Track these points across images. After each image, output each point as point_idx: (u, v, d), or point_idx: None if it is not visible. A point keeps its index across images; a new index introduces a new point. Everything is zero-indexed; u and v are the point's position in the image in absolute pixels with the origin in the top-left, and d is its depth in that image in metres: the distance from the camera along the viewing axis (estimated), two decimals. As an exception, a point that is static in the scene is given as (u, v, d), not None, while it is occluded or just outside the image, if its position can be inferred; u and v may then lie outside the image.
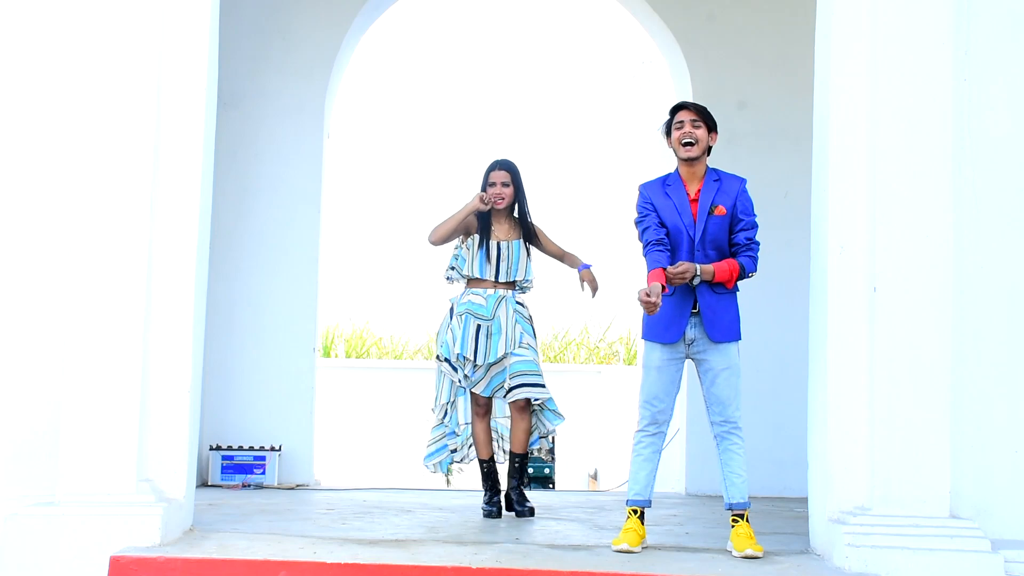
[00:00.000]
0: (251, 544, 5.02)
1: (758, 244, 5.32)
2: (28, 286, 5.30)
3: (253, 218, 8.13)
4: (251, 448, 7.91)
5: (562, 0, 19.37)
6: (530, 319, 6.49)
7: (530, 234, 6.49)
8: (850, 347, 5.03)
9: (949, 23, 5.09)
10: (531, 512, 6.35)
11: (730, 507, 5.20)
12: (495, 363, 6.32)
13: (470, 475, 8.07)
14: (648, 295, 5.01)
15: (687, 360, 5.32)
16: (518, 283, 6.47)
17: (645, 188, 5.38)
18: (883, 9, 5.08)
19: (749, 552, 5.01)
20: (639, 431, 5.30)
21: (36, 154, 5.33)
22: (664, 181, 5.36)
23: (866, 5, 5.11)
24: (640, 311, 5.36)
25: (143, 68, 5.16)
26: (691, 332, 5.23)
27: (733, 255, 5.28)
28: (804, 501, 5.43)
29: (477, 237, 6.42)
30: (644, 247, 5.29)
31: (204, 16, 5.27)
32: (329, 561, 4.70)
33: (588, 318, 16.86)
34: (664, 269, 5.13)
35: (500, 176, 6.43)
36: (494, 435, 6.56)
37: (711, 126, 5.34)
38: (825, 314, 5.12)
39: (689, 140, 5.27)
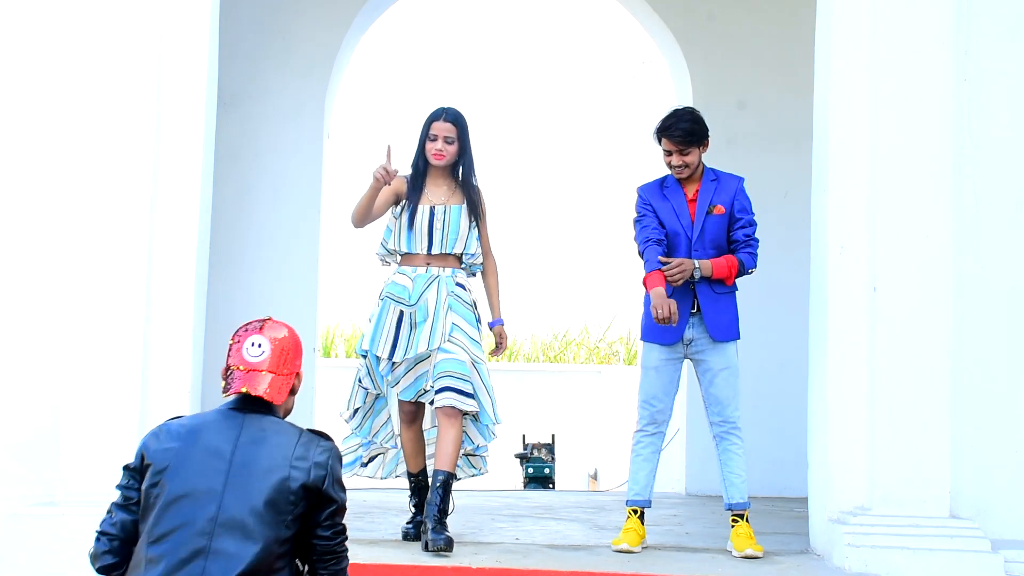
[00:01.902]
0: (251, 544, 5.00)
1: (757, 241, 5.31)
2: (28, 286, 5.29)
3: (253, 218, 8.12)
4: (251, 448, 7.89)
5: (562, 0, 19.38)
6: (472, 305, 5.30)
7: (473, 203, 5.36)
8: (850, 347, 5.03)
9: (949, 23, 5.09)
10: (447, 546, 4.86)
11: (730, 507, 5.20)
12: (422, 360, 5.20)
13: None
14: (661, 310, 4.98)
15: (685, 360, 5.31)
16: (462, 259, 5.32)
17: (643, 190, 5.38)
18: (883, 9, 5.09)
19: (749, 552, 5.01)
20: (638, 431, 5.30)
21: (36, 155, 5.33)
22: (661, 183, 5.36)
23: (866, 5, 5.12)
24: (640, 311, 5.36)
25: (143, 68, 5.17)
26: (690, 332, 5.22)
27: (732, 252, 5.28)
28: (804, 501, 5.43)
29: (405, 202, 5.33)
30: (640, 245, 5.27)
31: (204, 16, 5.27)
32: (329, 561, 4.69)
33: (588, 318, 16.88)
34: (661, 270, 5.12)
35: (443, 129, 5.29)
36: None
37: (700, 140, 5.25)
38: (825, 314, 5.12)
39: (681, 167, 5.25)
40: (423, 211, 5.27)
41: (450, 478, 5.09)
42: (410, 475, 5.35)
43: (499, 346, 5.42)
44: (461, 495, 6.62)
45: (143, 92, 5.16)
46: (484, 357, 5.25)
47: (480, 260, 5.38)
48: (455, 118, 5.32)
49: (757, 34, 8.41)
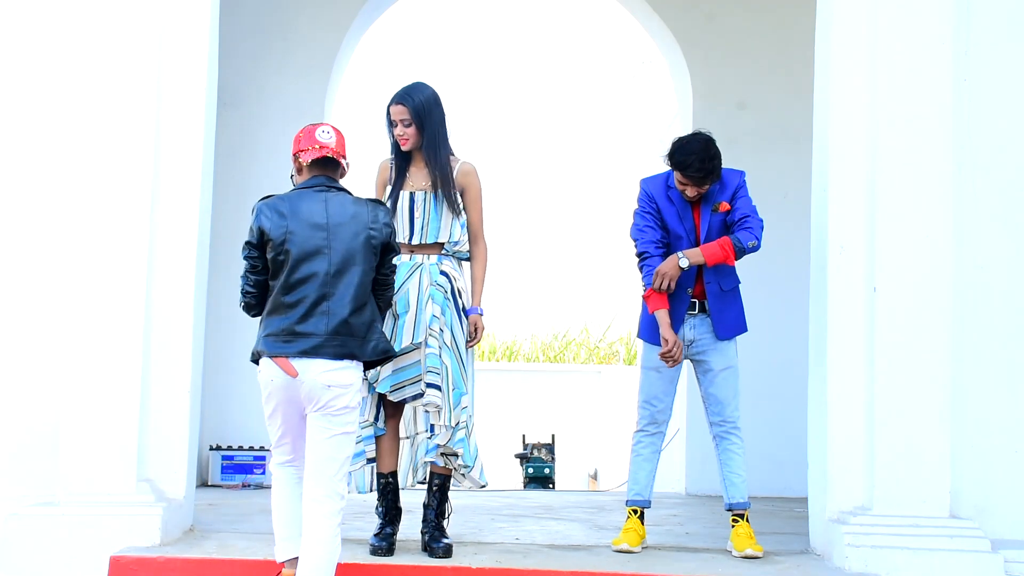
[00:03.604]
0: (251, 544, 5.01)
1: (760, 221, 5.18)
2: (29, 287, 5.30)
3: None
4: (251, 448, 7.90)
5: (562, 0, 19.38)
6: (455, 294, 5.02)
7: (447, 180, 5.01)
8: (850, 347, 5.03)
9: (949, 23, 5.08)
10: (445, 553, 4.83)
11: (730, 507, 5.20)
12: (403, 352, 4.90)
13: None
14: (673, 350, 5.05)
15: (686, 360, 5.31)
16: (445, 247, 5.04)
17: (647, 185, 5.31)
18: (883, 9, 5.08)
19: (749, 552, 5.01)
20: (638, 431, 5.29)
21: (37, 155, 5.34)
22: (666, 182, 5.30)
23: (866, 5, 5.11)
24: (638, 311, 5.36)
25: (143, 68, 5.16)
26: (690, 333, 5.22)
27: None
28: (804, 501, 5.42)
29: (390, 188, 5.09)
30: (639, 249, 5.22)
31: (204, 16, 5.27)
32: (329, 561, 4.69)
33: (588, 318, 16.88)
34: (653, 290, 5.10)
35: (397, 113, 5.02)
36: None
37: (717, 173, 5.16)
38: (825, 314, 5.12)
39: (694, 196, 5.21)
40: (404, 197, 5.03)
41: (446, 481, 4.99)
42: (380, 475, 5.00)
43: (472, 336, 5.07)
44: (462, 495, 6.63)
45: (143, 92, 5.15)
46: (460, 344, 4.98)
47: (464, 248, 5.07)
48: (405, 98, 5.02)
49: (757, 34, 8.41)
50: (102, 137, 5.13)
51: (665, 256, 5.16)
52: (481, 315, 5.10)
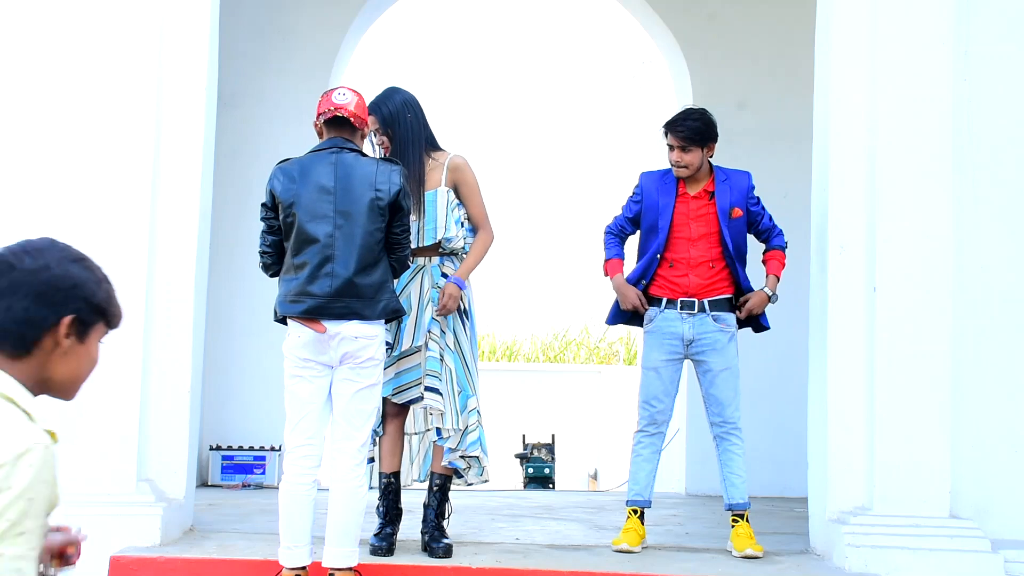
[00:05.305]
0: (251, 544, 5.02)
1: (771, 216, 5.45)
2: (28, 286, 5.29)
3: (253, 218, 8.03)
4: (251, 448, 7.90)
5: (562, 0, 19.38)
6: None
7: (418, 182, 4.95)
8: (850, 347, 5.03)
9: (949, 23, 5.09)
10: (445, 553, 4.84)
11: (730, 507, 5.20)
12: (405, 355, 4.97)
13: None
14: (631, 304, 5.24)
15: (686, 360, 5.31)
16: (442, 245, 5.00)
17: (644, 177, 5.41)
18: (883, 9, 5.09)
19: (749, 552, 5.02)
20: (638, 431, 5.30)
21: (37, 155, 5.33)
22: (663, 176, 5.35)
23: (866, 5, 5.12)
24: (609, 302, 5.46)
25: (143, 68, 5.17)
26: (690, 332, 5.22)
27: (765, 242, 5.42)
28: (804, 501, 5.43)
29: None
30: (606, 232, 5.40)
31: (204, 16, 5.28)
32: (329, 561, 4.70)
33: (588, 318, 16.88)
34: (620, 259, 5.36)
35: (371, 123, 4.94)
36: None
37: (705, 141, 5.22)
38: (825, 314, 5.12)
39: (678, 165, 5.25)
40: None
41: (447, 482, 5.02)
42: (382, 475, 5.03)
43: (443, 306, 4.91)
44: (461, 495, 6.59)
45: (143, 92, 5.16)
46: (464, 347, 4.99)
47: (459, 244, 5.01)
48: (376, 109, 4.99)
49: (757, 34, 8.41)
50: (102, 137, 5.14)
51: (621, 243, 5.40)
52: (462, 288, 4.94)
